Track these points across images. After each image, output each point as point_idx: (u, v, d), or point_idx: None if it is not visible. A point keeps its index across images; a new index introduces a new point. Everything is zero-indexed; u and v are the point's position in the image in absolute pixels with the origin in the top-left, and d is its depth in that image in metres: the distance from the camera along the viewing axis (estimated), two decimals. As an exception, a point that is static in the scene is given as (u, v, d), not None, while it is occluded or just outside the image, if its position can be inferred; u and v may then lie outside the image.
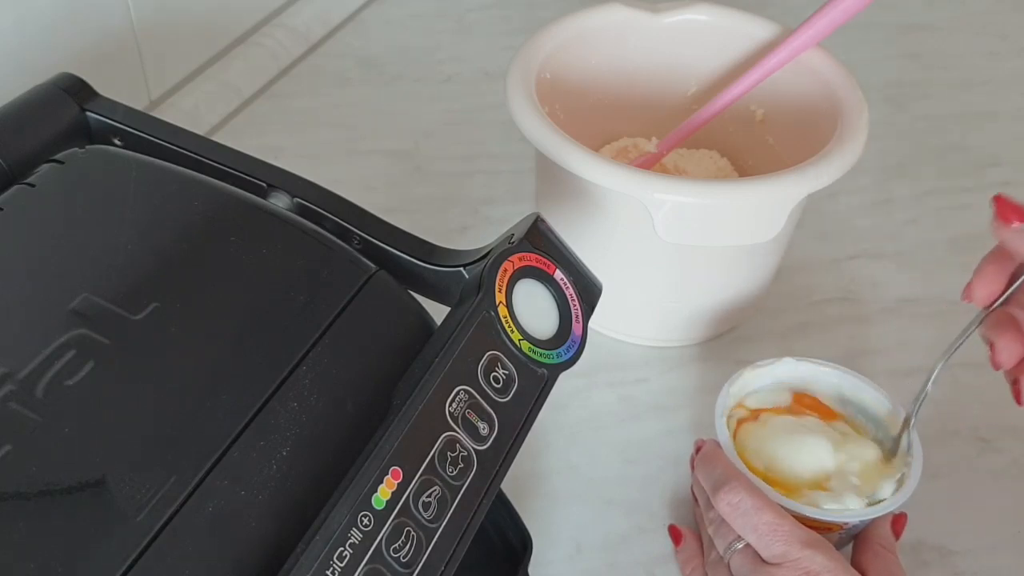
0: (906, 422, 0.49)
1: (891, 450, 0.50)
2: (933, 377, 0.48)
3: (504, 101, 0.58)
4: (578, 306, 0.39)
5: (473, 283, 0.38)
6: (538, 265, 0.39)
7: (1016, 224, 0.43)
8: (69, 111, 0.42)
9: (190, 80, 0.78)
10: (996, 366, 0.45)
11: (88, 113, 0.43)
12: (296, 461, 0.32)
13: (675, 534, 0.51)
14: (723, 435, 0.49)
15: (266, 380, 0.33)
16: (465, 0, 0.96)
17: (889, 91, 0.88)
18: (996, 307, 0.45)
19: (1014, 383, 0.46)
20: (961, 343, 0.47)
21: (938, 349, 0.48)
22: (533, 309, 0.38)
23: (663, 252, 0.57)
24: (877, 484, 0.48)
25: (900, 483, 0.48)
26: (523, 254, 0.38)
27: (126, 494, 0.29)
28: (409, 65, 0.87)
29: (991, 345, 0.45)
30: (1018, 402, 0.46)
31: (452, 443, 0.33)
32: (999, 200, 0.44)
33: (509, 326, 0.36)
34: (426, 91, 0.85)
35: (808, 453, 0.49)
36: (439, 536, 0.32)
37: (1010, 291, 0.45)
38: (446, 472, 0.33)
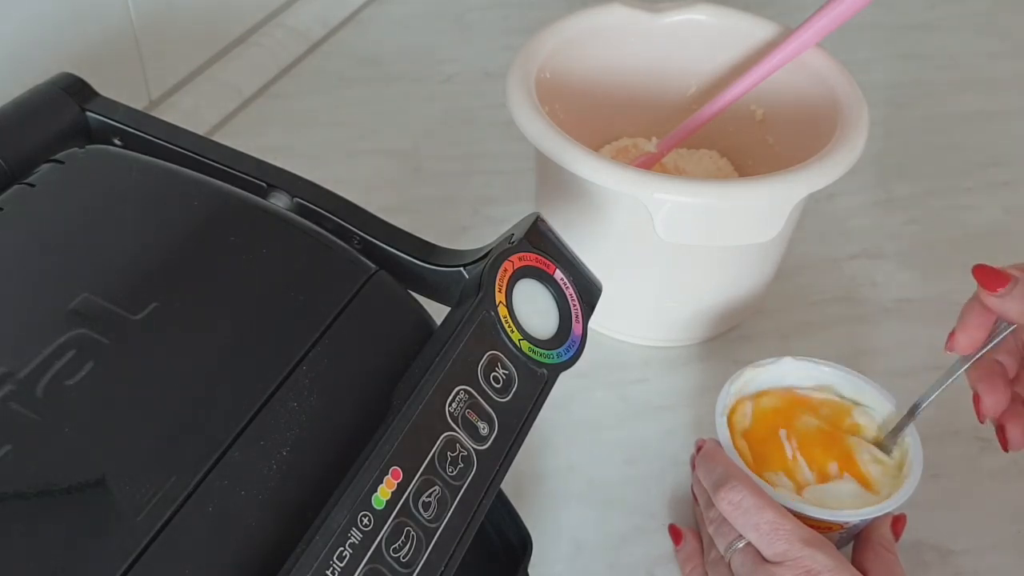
0: (902, 425, 0.49)
1: (890, 450, 0.50)
2: (918, 412, 0.49)
3: (504, 101, 0.58)
4: (578, 306, 0.39)
5: (473, 283, 0.38)
6: (538, 265, 0.39)
7: (1000, 290, 0.44)
8: (69, 111, 0.42)
9: (190, 80, 0.78)
10: (982, 417, 0.46)
11: (88, 113, 0.43)
12: (296, 461, 0.32)
13: (675, 534, 0.51)
14: (723, 435, 0.49)
15: (266, 380, 0.33)
16: (465, 0, 0.96)
17: (889, 91, 0.88)
18: (980, 356, 0.46)
19: (999, 429, 0.47)
20: (943, 388, 0.48)
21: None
22: (533, 309, 0.38)
23: (663, 252, 0.57)
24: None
25: (900, 483, 0.48)
26: (523, 254, 0.38)
27: (126, 494, 0.29)
28: (409, 65, 0.87)
29: (976, 397, 0.46)
30: (1004, 448, 0.47)
31: (452, 443, 0.33)
32: (979, 271, 0.44)
33: (509, 326, 0.36)
34: (426, 91, 0.85)
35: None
36: (439, 536, 0.32)
37: (993, 343, 0.46)
38: (446, 472, 0.33)
